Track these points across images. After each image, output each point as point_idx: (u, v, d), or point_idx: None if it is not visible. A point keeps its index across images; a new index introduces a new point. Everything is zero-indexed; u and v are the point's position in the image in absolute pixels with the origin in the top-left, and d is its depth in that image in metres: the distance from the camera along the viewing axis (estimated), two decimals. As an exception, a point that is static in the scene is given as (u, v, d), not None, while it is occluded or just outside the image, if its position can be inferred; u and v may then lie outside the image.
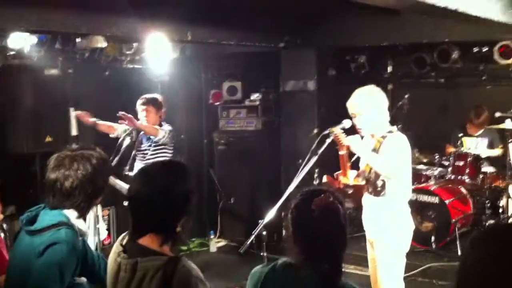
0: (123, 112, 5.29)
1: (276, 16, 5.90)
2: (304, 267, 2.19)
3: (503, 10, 4.06)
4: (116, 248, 2.25)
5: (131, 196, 2.22)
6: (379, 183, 3.82)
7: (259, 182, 7.20)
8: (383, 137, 3.86)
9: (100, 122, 5.50)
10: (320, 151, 3.85)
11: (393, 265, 3.85)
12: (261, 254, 3.57)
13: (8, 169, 3.84)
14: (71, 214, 2.48)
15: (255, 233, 3.50)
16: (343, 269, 2.21)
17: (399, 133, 3.95)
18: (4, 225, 3.50)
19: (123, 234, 2.30)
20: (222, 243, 7.35)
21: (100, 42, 4.85)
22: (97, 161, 2.51)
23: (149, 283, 2.08)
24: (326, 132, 3.89)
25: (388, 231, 3.84)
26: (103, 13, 4.36)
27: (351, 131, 3.96)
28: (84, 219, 2.64)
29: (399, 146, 3.81)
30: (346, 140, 3.79)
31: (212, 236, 7.19)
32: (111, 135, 5.60)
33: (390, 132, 3.90)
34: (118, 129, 5.61)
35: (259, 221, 3.55)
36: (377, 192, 3.85)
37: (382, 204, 3.85)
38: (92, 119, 5.45)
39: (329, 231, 2.20)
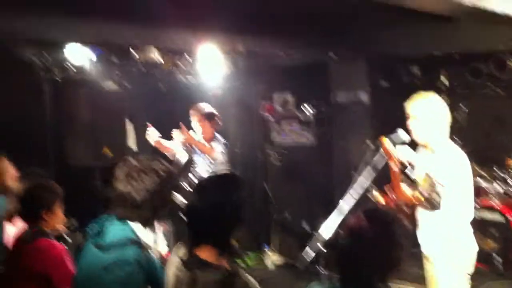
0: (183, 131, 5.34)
1: (326, 27, 5.86)
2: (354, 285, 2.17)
3: None
4: (173, 260, 2.29)
5: (187, 209, 2.27)
6: (435, 196, 3.69)
7: (313, 195, 7.11)
8: (439, 149, 3.71)
9: (162, 141, 5.56)
10: (374, 162, 3.74)
11: (454, 284, 3.69)
12: (319, 270, 3.52)
13: (67, 181, 3.92)
14: (137, 227, 2.51)
15: (311, 247, 3.44)
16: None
17: (456, 146, 3.78)
18: (68, 238, 3.59)
19: (177, 245, 2.34)
20: (276, 257, 7.29)
21: (154, 54, 4.94)
22: (164, 174, 2.54)
23: None
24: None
25: (447, 248, 3.69)
26: (156, 26, 4.43)
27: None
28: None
29: (454, 160, 3.64)
30: (395, 150, 3.67)
31: (266, 250, 7.18)
32: (168, 156, 5.68)
33: (447, 145, 3.75)
34: (176, 151, 5.70)
35: (315, 234, 3.50)
36: (433, 206, 3.71)
37: (441, 219, 3.69)
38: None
39: (361, 254, 2.17)
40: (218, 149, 5.53)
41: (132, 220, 2.50)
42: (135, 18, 4.30)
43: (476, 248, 3.78)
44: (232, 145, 6.37)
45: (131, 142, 6.06)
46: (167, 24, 4.50)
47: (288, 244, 7.23)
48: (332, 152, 6.89)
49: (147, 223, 2.54)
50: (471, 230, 3.77)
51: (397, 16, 5.44)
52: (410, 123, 3.78)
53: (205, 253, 2.19)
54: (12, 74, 5.35)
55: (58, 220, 3.34)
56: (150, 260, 2.61)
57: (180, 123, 5.39)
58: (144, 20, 4.36)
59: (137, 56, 5.11)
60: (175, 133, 5.42)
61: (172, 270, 2.26)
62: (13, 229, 3.56)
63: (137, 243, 2.47)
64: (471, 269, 3.75)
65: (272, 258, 7.20)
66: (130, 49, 5.19)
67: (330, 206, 6.07)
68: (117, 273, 2.37)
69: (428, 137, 3.76)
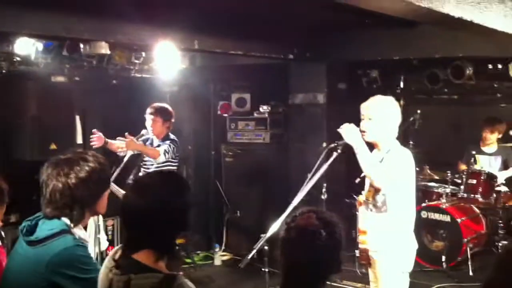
0: (127, 139, 5.20)
1: (285, 28, 5.84)
2: None
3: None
4: (108, 263, 2.14)
5: (124, 209, 2.11)
6: (380, 198, 3.70)
7: (267, 195, 7.09)
8: (388, 151, 3.74)
9: (111, 141, 5.39)
10: (326, 164, 3.74)
11: (396, 284, 3.70)
12: (262, 269, 3.48)
13: (13, 176, 3.79)
14: (69, 222, 2.39)
15: (257, 248, 3.41)
16: None
17: (403, 148, 3.83)
18: (2, 233, 3.42)
19: (115, 248, 2.20)
20: (227, 256, 7.24)
21: (104, 49, 4.78)
22: (86, 168, 2.38)
23: None
24: (333, 145, 3.78)
25: (390, 249, 3.69)
26: (108, 19, 4.33)
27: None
28: (85, 228, 2.56)
29: (402, 161, 3.68)
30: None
31: (217, 249, 7.11)
32: (119, 153, 5.50)
33: (395, 145, 3.77)
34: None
35: (261, 235, 3.47)
36: (377, 208, 3.73)
37: (384, 220, 3.71)
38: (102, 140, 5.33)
39: (302, 256, 2.10)
40: (162, 149, 5.38)
41: (55, 216, 2.37)
42: (87, 11, 4.18)
43: (416, 246, 3.82)
44: (186, 142, 6.25)
45: (80, 137, 5.90)
46: (121, 19, 4.40)
47: (239, 243, 7.19)
48: (287, 153, 6.87)
49: (67, 217, 2.39)
50: (412, 227, 3.79)
51: (358, 20, 5.45)
52: (363, 124, 3.78)
53: (142, 256, 2.05)
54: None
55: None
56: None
57: (126, 134, 5.24)
58: (97, 14, 4.25)
59: (87, 50, 4.95)
60: (120, 139, 5.27)
61: (105, 272, 2.12)
62: None
63: (72, 234, 2.35)
64: (411, 266, 3.76)
65: (222, 257, 7.15)
66: (79, 42, 5.03)
67: (283, 207, 6.07)
68: (64, 257, 2.25)
69: (379, 137, 3.78)
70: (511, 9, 3.69)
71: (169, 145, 5.43)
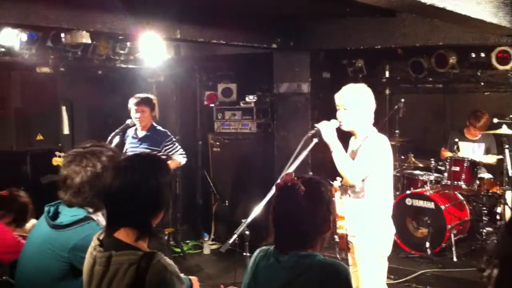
0: None
1: (268, 17, 5.86)
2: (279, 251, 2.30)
3: (495, 11, 4.01)
4: (93, 242, 2.24)
5: (104, 189, 2.22)
6: (359, 184, 3.76)
7: (254, 184, 7.13)
8: (365, 138, 3.80)
9: None
10: (306, 151, 3.79)
11: (375, 268, 3.77)
12: (244, 254, 3.52)
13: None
14: (90, 210, 2.55)
15: (238, 232, 3.46)
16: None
17: (379, 134, 3.88)
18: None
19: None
20: (216, 245, 7.30)
21: (85, 38, 4.79)
22: (106, 158, 2.55)
23: (122, 277, 2.06)
24: (312, 131, 3.83)
25: (368, 234, 3.76)
26: (88, 9, 4.33)
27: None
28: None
29: (379, 147, 3.75)
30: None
31: (206, 238, 7.17)
32: None
33: (371, 132, 3.83)
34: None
35: (242, 220, 3.52)
36: (356, 193, 3.79)
37: (361, 206, 3.77)
38: None
39: (288, 211, 2.29)
40: (178, 157, 5.69)
41: (79, 205, 2.52)
42: (67, 0, 4.18)
43: (394, 231, 3.89)
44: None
45: (66, 127, 5.92)
46: (101, 8, 4.40)
47: (227, 232, 7.24)
48: (273, 142, 6.92)
49: (94, 206, 2.54)
50: (390, 212, 3.86)
51: (340, 9, 5.49)
52: (339, 114, 3.84)
53: (123, 234, 2.15)
54: None
55: None
56: None
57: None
58: (77, 3, 4.26)
59: (68, 40, 4.95)
60: None
61: (90, 251, 2.23)
62: None
63: (95, 220, 2.51)
64: (389, 251, 3.84)
65: (211, 246, 7.21)
66: (59, 31, 5.02)
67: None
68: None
69: (356, 125, 3.84)
70: (485, -4, 3.76)
71: (174, 144, 5.70)
